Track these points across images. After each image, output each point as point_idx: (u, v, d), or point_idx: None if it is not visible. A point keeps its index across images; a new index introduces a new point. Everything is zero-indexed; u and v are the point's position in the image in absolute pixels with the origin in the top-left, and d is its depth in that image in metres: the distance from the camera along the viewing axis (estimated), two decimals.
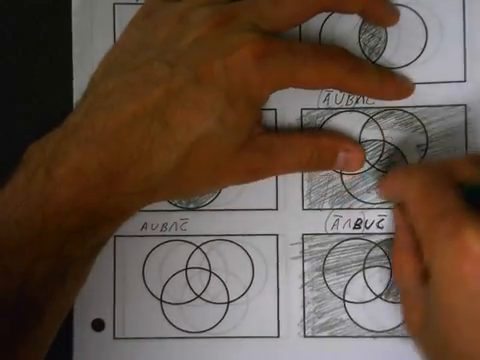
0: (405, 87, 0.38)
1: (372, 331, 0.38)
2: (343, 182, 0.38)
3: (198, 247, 0.39)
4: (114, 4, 0.40)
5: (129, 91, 0.33)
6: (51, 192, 0.32)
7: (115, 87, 0.34)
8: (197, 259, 0.39)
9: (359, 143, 0.38)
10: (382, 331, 0.38)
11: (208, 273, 0.39)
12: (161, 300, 0.39)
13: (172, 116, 0.33)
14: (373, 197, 0.38)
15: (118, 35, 0.39)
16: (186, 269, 0.39)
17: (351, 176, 0.38)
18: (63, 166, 0.32)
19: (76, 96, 0.39)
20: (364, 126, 0.38)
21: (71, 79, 0.39)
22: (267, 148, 0.35)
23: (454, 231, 0.28)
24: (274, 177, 0.39)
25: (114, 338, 0.39)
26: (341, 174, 0.38)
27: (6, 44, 0.40)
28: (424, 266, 0.31)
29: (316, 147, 0.36)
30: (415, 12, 0.38)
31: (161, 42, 0.35)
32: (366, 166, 0.38)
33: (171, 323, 0.39)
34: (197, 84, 0.33)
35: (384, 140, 0.38)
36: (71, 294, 0.36)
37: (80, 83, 0.39)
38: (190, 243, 0.39)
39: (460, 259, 0.27)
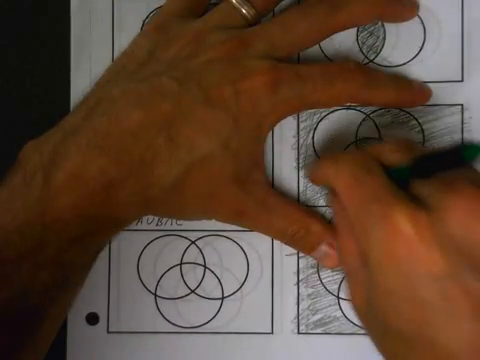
0: (423, 93, 0.37)
1: None
2: None
3: (193, 242, 0.39)
4: None
5: (136, 100, 0.33)
6: (50, 199, 0.32)
7: (121, 94, 0.34)
8: (192, 254, 0.39)
9: None
10: None
11: (203, 268, 0.39)
12: (155, 295, 0.39)
13: (177, 133, 0.33)
14: None
15: (117, 31, 0.39)
16: (181, 264, 0.39)
17: None
18: (62, 171, 0.32)
19: (73, 92, 0.39)
20: (361, 124, 0.38)
21: (68, 76, 0.39)
22: (260, 200, 0.36)
23: (384, 214, 0.28)
24: (270, 169, 0.39)
25: (108, 332, 0.39)
26: None
27: (4, 42, 0.40)
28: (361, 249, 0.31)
29: (304, 227, 0.36)
30: None
31: (171, 58, 0.35)
32: None
33: (165, 318, 0.39)
34: (206, 106, 0.33)
35: (380, 138, 0.38)
36: (70, 299, 0.36)
37: (77, 80, 0.39)
38: (185, 238, 0.39)
39: (392, 241, 0.28)
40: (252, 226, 0.37)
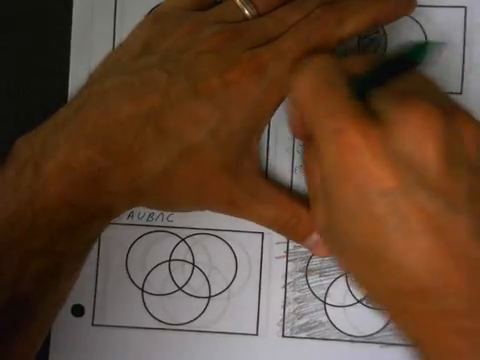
0: (403, 2, 0.36)
1: (350, 335, 0.38)
2: None
3: (183, 239, 0.39)
4: None
5: (127, 92, 0.33)
6: (40, 187, 0.32)
7: (112, 87, 0.34)
8: (181, 251, 0.39)
9: None
10: (360, 336, 0.38)
11: (191, 266, 0.39)
12: (142, 290, 0.39)
13: (166, 123, 0.33)
14: None
15: (118, 26, 0.39)
16: (169, 261, 0.39)
17: None
18: (51, 160, 0.32)
19: (72, 87, 0.39)
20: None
21: (68, 73, 0.39)
22: (251, 189, 0.36)
23: (338, 129, 0.28)
24: (265, 171, 0.39)
25: (93, 324, 0.39)
26: None
27: (4, 39, 0.40)
28: None
29: (296, 215, 0.36)
30: (415, 21, 0.38)
31: (165, 49, 0.35)
32: None
33: (151, 314, 0.39)
34: (194, 97, 0.33)
35: None
36: (64, 290, 0.36)
37: (77, 76, 0.39)
38: (175, 235, 0.39)
39: (343, 156, 0.28)
40: (244, 215, 0.37)
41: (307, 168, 0.34)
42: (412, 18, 0.38)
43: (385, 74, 0.30)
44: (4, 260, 0.32)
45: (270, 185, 0.37)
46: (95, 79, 0.35)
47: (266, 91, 0.34)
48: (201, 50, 0.34)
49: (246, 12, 0.36)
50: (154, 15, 0.37)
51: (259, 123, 0.36)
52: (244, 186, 0.35)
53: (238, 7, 0.36)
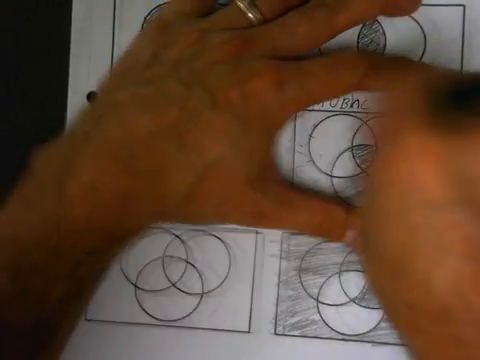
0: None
1: (343, 334, 0.38)
2: (333, 186, 0.38)
3: (177, 236, 0.39)
4: None
5: (143, 105, 0.33)
6: (65, 210, 0.32)
7: (128, 99, 0.33)
8: (175, 248, 0.39)
9: None
10: (353, 335, 0.38)
11: (185, 263, 0.39)
12: (136, 286, 0.39)
13: (187, 137, 0.33)
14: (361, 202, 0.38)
15: (117, 26, 0.39)
16: (163, 257, 0.39)
17: (341, 180, 0.38)
18: (76, 181, 0.32)
19: (71, 87, 0.39)
20: (357, 131, 0.38)
21: (67, 71, 0.39)
22: (278, 197, 0.35)
23: (400, 129, 0.27)
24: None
25: (85, 319, 0.39)
26: (331, 177, 0.38)
27: (4, 37, 0.39)
28: None
29: (328, 216, 0.36)
30: (415, 20, 0.38)
31: (175, 58, 0.34)
32: (357, 171, 0.38)
33: (144, 310, 0.39)
34: (213, 109, 0.33)
35: (377, 146, 0.38)
36: (83, 311, 0.36)
37: (76, 73, 0.39)
38: (169, 232, 0.39)
39: (398, 156, 0.27)
40: (275, 225, 0.37)
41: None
42: (411, 16, 0.38)
43: (465, 91, 0.29)
44: (29, 285, 0.32)
45: (295, 191, 0.37)
46: (108, 90, 0.35)
47: (284, 104, 0.34)
48: (214, 60, 0.34)
49: (250, 15, 0.35)
50: (158, 23, 0.37)
51: (277, 132, 0.36)
52: (270, 196, 0.35)
53: (242, 11, 0.35)
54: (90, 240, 0.33)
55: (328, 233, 0.37)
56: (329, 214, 0.36)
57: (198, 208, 0.35)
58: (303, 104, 0.36)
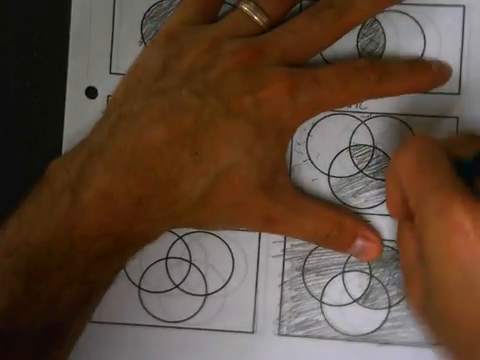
0: (441, 75, 0.37)
1: (347, 334, 0.38)
2: (330, 185, 0.38)
3: (180, 237, 0.39)
4: None
5: (157, 116, 0.33)
6: (78, 216, 0.32)
7: (142, 110, 0.34)
8: (178, 249, 0.39)
9: (379, 234, 0.38)
10: (357, 335, 0.38)
11: (188, 264, 0.39)
12: (139, 287, 0.39)
13: (201, 146, 0.33)
14: (359, 202, 0.38)
15: (117, 24, 0.39)
16: (166, 258, 0.39)
17: (338, 180, 0.38)
18: (90, 189, 0.32)
19: (70, 85, 0.39)
20: (355, 130, 0.38)
21: (66, 69, 0.39)
22: (289, 203, 0.36)
23: (444, 206, 0.27)
24: None
25: (89, 321, 0.39)
26: (328, 177, 0.38)
27: (3, 36, 0.40)
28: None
29: (337, 225, 0.36)
30: (414, 19, 0.38)
31: (187, 68, 0.35)
32: (354, 170, 0.38)
33: (147, 311, 0.39)
34: (227, 117, 0.33)
35: (374, 146, 0.38)
36: (91, 314, 0.36)
37: (75, 73, 0.39)
38: (172, 233, 0.39)
39: (449, 235, 0.27)
40: (284, 231, 0.37)
41: (401, 246, 0.34)
42: (411, 17, 0.38)
43: None
44: (40, 289, 0.32)
45: (306, 198, 0.37)
46: (121, 101, 0.35)
47: (297, 110, 0.34)
48: (227, 68, 0.34)
49: (256, 19, 0.36)
50: (166, 34, 0.37)
51: (289, 138, 0.36)
52: (282, 202, 0.35)
53: (248, 15, 0.36)
54: (103, 246, 0.33)
55: (335, 244, 0.37)
56: (337, 224, 0.36)
57: (211, 213, 0.35)
58: (316, 111, 0.36)
